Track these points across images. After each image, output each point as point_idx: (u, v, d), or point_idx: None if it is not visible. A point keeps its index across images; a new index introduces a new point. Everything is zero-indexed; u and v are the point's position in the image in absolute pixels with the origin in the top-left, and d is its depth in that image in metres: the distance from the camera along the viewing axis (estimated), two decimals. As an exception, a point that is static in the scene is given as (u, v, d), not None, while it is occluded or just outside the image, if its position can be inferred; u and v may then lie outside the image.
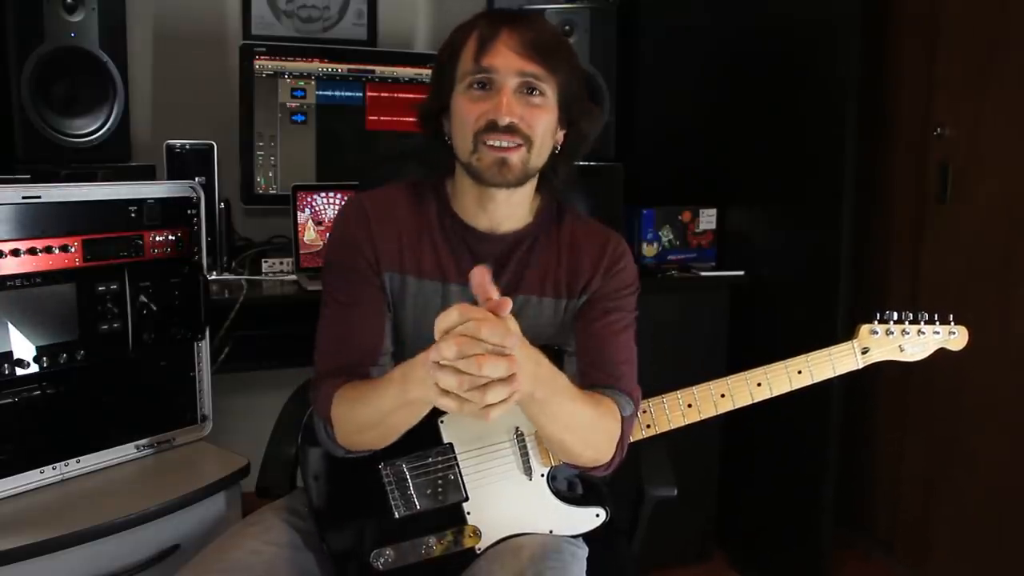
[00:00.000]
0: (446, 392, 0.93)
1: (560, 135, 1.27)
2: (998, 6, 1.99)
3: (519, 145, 1.19)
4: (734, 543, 2.45)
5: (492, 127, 1.17)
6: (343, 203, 2.05)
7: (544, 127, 1.21)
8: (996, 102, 2.01)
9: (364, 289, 1.26)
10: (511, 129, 1.17)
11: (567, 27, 2.13)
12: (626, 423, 1.23)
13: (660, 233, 2.32)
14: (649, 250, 2.31)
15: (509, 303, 0.94)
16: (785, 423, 2.19)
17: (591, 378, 1.24)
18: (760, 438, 2.32)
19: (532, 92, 1.19)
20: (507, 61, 1.18)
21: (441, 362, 0.91)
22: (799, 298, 2.18)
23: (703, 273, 2.30)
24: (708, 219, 2.35)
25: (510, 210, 1.28)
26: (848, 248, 2.05)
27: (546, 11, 2.13)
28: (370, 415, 1.15)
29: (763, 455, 2.34)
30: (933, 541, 2.22)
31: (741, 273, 2.30)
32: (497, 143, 1.18)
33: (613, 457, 1.22)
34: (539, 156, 1.22)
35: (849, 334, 1.41)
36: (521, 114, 1.18)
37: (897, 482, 2.34)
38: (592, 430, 1.18)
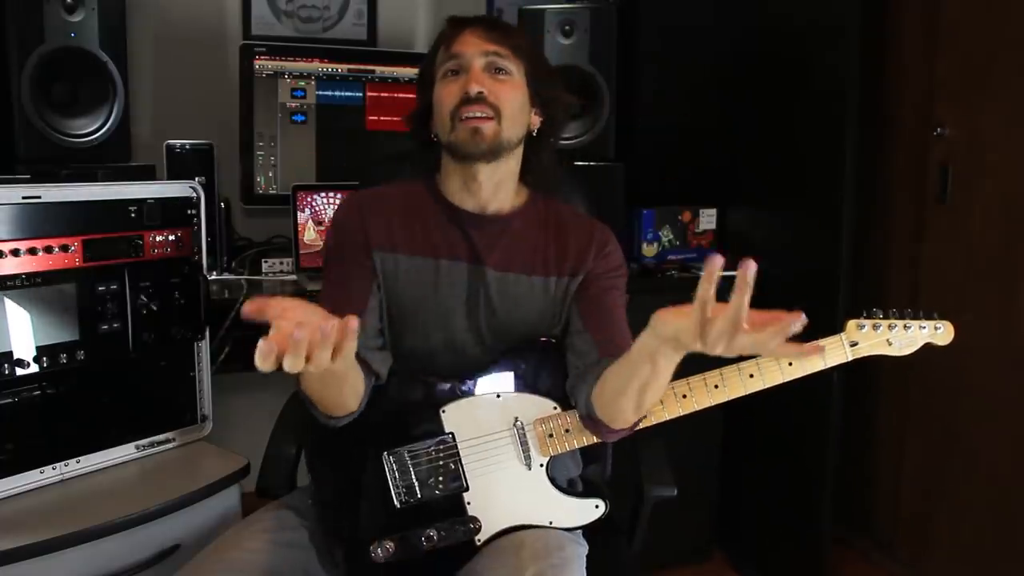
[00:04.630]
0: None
1: (535, 119, 1.37)
2: (998, 6, 1.99)
3: (490, 117, 1.28)
4: (734, 543, 2.45)
5: (465, 100, 1.28)
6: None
7: (513, 101, 1.31)
8: (996, 102, 2.01)
9: (351, 270, 1.32)
10: (480, 99, 1.27)
11: (567, 27, 2.13)
12: None
13: (660, 233, 2.32)
14: (649, 250, 2.31)
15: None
16: (785, 423, 2.19)
17: (618, 347, 1.24)
18: (760, 438, 2.33)
19: (499, 72, 1.31)
20: (472, 46, 1.30)
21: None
22: (799, 298, 2.15)
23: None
24: (708, 219, 2.35)
25: (493, 189, 1.35)
26: (848, 248, 2.04)
27: (546, 11, 2.13)
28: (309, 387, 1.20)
29: (763, 455, 2.34)
30: (933, 541, 2.22)
31: (741, 273, 2.30)
32: (470, 114, 1.27)
33: (634, 424, 1.25)
34: (511, 129, 1.31)
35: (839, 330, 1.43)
36: (490, 87, 1.28)
37: (897, 482, 2.34)
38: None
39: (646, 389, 1.14)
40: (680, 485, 1.44)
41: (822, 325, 2.14)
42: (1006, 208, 1.99)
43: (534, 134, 1.37)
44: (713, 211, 2.35)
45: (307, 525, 1.30)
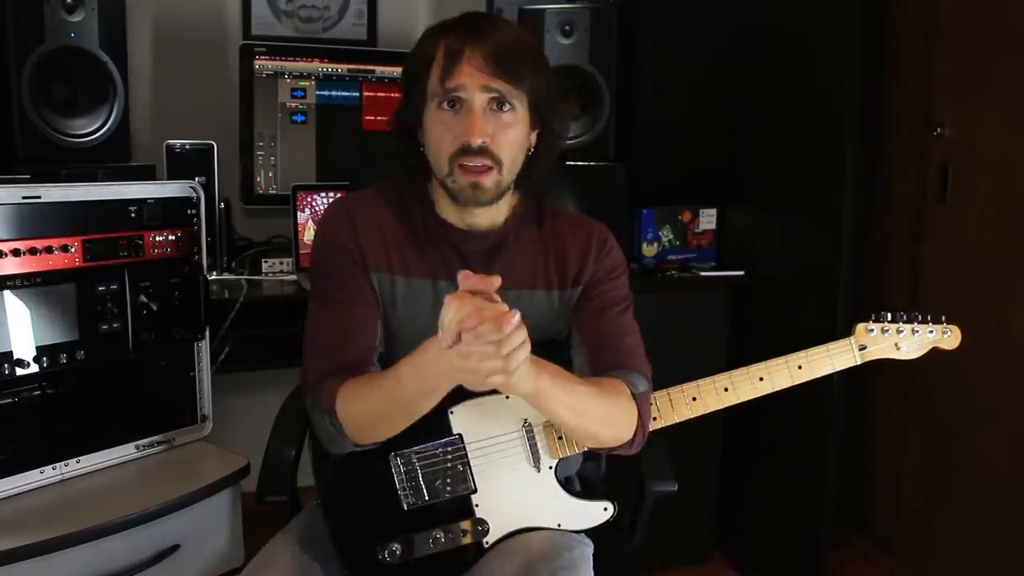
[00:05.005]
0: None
1: (533, 137, 1.29)
2: (997, 6, 2.00)
3: (489, 168, 1.22)
4: (734, 543, 2.45)
5: (465, 150, 1.21)
6: (328, 206, 2.04)
7: (514, 143, 1.24)
8: (996, 102, 2.01)
9: (359, 289, 1.28)
10: (483, 150, 1.21)
11: (567, 27, 2.13)
12: (641, 400, 1.26)
13: (660, 233, 2.32)
14: (649, 250, 2.31)
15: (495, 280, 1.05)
16: (785, 423, 2.19)
17: (602, 362, 1.27)
18: (760, 438, 2.32)
19: (502, 107, 1.22)
20: (472, 79, 1.20)
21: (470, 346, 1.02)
22: (799, 298, 2.17)
23: (703, 273, 2.30)
24: (708, 219, 2.36)
25: (488, 212, 1.31)
26: (848, 248, 2.04)
27: (546, 11, 2.13)
28: (386, 406, 1.18)
29: (763, 455, 2.34)
30: (933, 540, 2.22)
31: (741, 273, 2.30)
32: (471, 164, 1.21)
33: (635, 435, 1.25)
34: (511, 172, 1.26)
35: (848, 334, 1.43)
36: (492, 132, 1.21)
37: (897, 481, 2.34)
38: (606, 410, 1.21)
39: (550, 417, 1.21)
40: (680, 485, 1.43)
41: (822, 325, 2.15)
42: (1005, 208, 1.99)
43: (530, 152, 1.30)
44: (713, 211, 2.36)
45: (323, 551, 1.27)
